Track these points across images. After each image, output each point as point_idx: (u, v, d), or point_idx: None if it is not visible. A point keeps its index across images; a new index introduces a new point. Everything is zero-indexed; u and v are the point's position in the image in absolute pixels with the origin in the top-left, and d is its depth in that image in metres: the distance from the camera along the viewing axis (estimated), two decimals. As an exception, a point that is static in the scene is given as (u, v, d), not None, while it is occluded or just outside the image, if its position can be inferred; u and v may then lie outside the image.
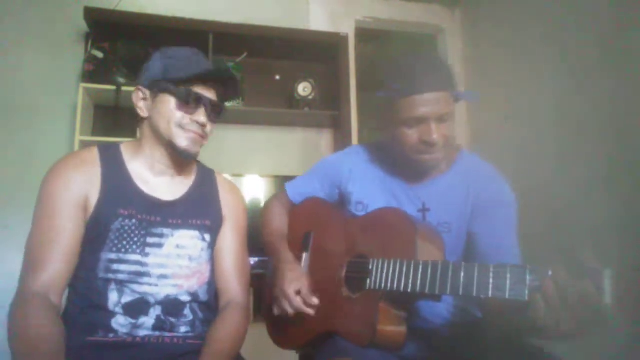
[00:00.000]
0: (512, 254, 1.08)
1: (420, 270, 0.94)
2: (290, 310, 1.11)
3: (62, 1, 2.47)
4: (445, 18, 3.10)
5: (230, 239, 1.19)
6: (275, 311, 1.15)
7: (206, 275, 1.13)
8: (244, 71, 2.57)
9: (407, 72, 1.08)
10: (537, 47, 2.30)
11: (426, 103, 1.05)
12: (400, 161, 1.20)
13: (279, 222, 1.36)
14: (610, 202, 1.83)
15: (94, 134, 2.39)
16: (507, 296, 0.80)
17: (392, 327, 1.01)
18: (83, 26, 2.36)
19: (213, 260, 1.17)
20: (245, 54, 2.56)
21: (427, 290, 0.92)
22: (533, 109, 2.28)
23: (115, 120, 2.35)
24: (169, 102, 1.07)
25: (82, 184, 1.04)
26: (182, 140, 1.07)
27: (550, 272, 0.76)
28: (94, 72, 2.23)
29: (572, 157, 2.04)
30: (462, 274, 0.87)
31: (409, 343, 1.04)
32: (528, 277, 0.78)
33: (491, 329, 1.04)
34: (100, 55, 2.26)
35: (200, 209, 1.16)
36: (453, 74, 1.10)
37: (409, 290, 0.95)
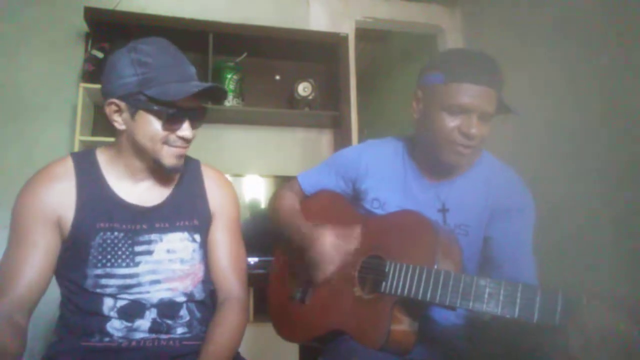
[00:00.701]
0: (527, 263, 1.07)
1: (442, 281, 0.91)
2: (336, 260, 1.10)
3: (62, 1, 2.47)
4: (445, 18, 3.10)
5: (222, 234, 1.15)
6: (324, 272, 1.12)
7: (200, 275, 1.11)
8: (244, 71, 2.57)
9: (464, 60, 1.07)
10: (537, 47, 2.30)
11: (476, 94, 1.03)
12: (425, 153, 1.17)
13: (291, 203, 1.33)
14: (611, 202, 1.83)
15: (94, 134, 2.38)
16: (534, 320, 0.77)
17: (403, 332, 1.00)
18: (83, 26, 2.36)
19: (206, 259, 1.14)
20: (245, 54, 2.56)
21: (447, 303, 0.89)
22: (532, 110, 2.28)
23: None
24: (152, 121, 0.98)
25: (55, 202, 0.99)
26: (169, 159, 1.01)
27: (584, 300, 0.73)
28: (94, 72, 2.23)
29: (570, 157, 2.04)
30: (487, 291, 0.84)
31: (417, 345, 1.02)
32: (560, 302, 0.75)
33: (502, 334, 1.02)
34: (100, 55, 2.26)
35: (187, 209, 1.11)
36: (504, 78, 1.08)
37: (427, 299, 0.92)
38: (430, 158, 1.14)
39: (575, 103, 2.04)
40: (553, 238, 1.98)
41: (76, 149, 2.15)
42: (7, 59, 2.38)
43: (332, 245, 1.11)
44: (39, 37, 2.43)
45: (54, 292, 1.06)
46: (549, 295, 0.76)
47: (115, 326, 1.00)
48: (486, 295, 0.84)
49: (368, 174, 1.25)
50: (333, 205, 1.28)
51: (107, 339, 0.99)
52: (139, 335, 1.01)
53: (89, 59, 2.26)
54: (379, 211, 1.19)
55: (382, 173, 1.23)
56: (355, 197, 1.29)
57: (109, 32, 2.31)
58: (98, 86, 2.18)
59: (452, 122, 1.06)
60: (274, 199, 1.39)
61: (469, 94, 1.03)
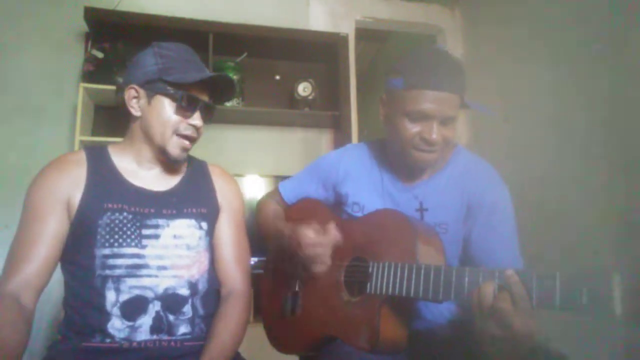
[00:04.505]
0: (508, 258, 1.04)
1: (423, 275, 0.91)
2: (327, 251, 1.07)
3: (62, 1, 2.47)
4: (445, 18, 3.10)
5: (228, 228, 1.18)
6: (318, 266, 1.10)
7: (205, 263, 1.13)
8: (244, 71, 2.57)
9: (424, 65, 1.06)
10: (536, 47, 2.30)
11: (435, 100, 1.03)
12: (395, 157, 1.19)
13: (274, 209, 1.34)
14: (607, 201, 1.83)
15: (94, 134, 2.38)
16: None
17: (394, 332, 1.00)
18: (83, 26, 2.36)
19: (211, 248, 1.16)
20: (245, 54, 2.56)
21: (430, 297, 0.90)
22: (532, 109, 2.28)
23: (115, 120, 2.35)
24: (166, 105, 1.06)
25: (65, 186, 1.04)
26: (174, 149, 1.08)
27: (558, 281, 0.72)
28: (94, 72, 2.23)
29: (571, 157, 2.04)
30: (466, 280, 0.84)
31: (410, 344, 1.03)
32: (534, 285, 0.75)
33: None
34: (100, 55, 2.26)
35: (194, 197, 1.15)
36: (466, 79, 1.08)
37: (411, 295, 0.93)
38: (400, 160, 1.15)
39: (576, 102, 2.04)
40: (556, 237, 1.99)
41: (76, 148, 2.14)
42: (7, 59, 2.38)
43: (316, 236, 1.08)
44: (39, 37, 2.43)
45: (56, 293, 1.06)
46: (524, 279, 0.76)
47: (117, 326, 1.00)
48: (466, 285, 0.84)
49: (347, 179, 1.26)
50: (314, 213, 1.28)
51: (108, 340, 0.99)
52: (140, 337, 1.01)
53: (89, 59, 2.26)
54: (359, 215, 1.20)
55: (360, 177, 1.25)
56: (337, 202, 1.29)
57: (109, 32, 2.32)
58: (98, 86, 2.22)
59: (413, 128, 1.07)
60: (258, 210, 1.40)
61: (428, 100, 1.03)
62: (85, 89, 2.23)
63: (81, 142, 2.17)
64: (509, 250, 1.08)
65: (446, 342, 1.11)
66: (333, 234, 1.08)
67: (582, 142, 2.00)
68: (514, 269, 0.78)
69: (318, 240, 1.07)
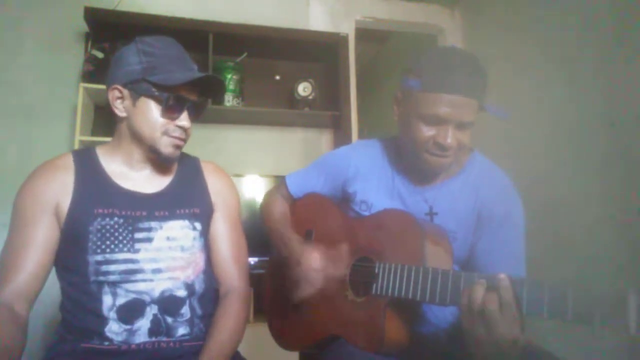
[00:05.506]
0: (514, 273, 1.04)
1: (430, 278, 0.89)
2: (319, 284, 1.09)
3: (62, 1, 2.47)
4: (445, 18, 3.10)
5: (224, 226, 1.16)
6: (304, 292, 1.11)
7: (201, 264, 1.11)
8: (244, 71, 2.57)
9: (443, 66, 1.00)
10: (536, 47, 2.30)
11: (452, 105, 0.98)
12: (408, 157, 1.16)
13: (281, 211, 1.33)
14: (606, 200, 1.83)
15: (94, 134, 2.38)
16: (524, 311, 0.76)
17: (398, 333, 0.99)
18: (83, 26, 2.36)
19: (207, 248, 1.14)
20: (245, 54, 2.56)
21: (437, 301, 0.88)
22: (532, 109, 2.28)
23: (115, 120, 2.35)
24: (152, 108, 1.02)
25: (53, 191, 1.01)
26: (166, 148, 1.05)
27: (571, 291, 0.71)
28: (94, 72, 2.23)
29: (571, 156, 2.04)
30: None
31: (412, 346, 1.02)
32: (546, 294, 0.73)
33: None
34: (100, 55, 2.26)
35: (187, 197, 1.12)
36: (487, 83, 1.02)
37: (418, 298, 0.91)
38: (413, 162, 1.13)
39: (575, 103, 2.04)
40: (553, 238, 1.99)
41: (76, 148, 2.14)
42: (8, 58, 2.38)
43: (317, 267, 1.09)
44: (39, 37, 2.43)
45: (55, 294, 1.06)
46: (534, 287, 0.75)
47: (114, 330, 0.99)
48: None
49: (357, 177, 1.23)
50: (321, 209, 1.27)
51: (106, 343, 0.99)
52: (138, 339, 1.00)
53: (89, 59, 2.26)
54: (366, 214, 1.18)
55: (370, 175, 1.22)
56: (344, 199, 1.27)
57: (109, 32, 2.31)
58: (98, 86, 2.21)
59: (428, 132, 1.03)
60: (264, 204, 1.39)
61: (445, 104, 0.99)
62: (85, 89, 2.23)
63: (81, 142, 2.17)
64: (513, 267, 1.04)
65: (449, 345, 1.10)
66: (337, 273, 1.09)
67: (580, 141, 2.00)
68: (506, 274, 0.78)
69: (315, 280, 1.09)
